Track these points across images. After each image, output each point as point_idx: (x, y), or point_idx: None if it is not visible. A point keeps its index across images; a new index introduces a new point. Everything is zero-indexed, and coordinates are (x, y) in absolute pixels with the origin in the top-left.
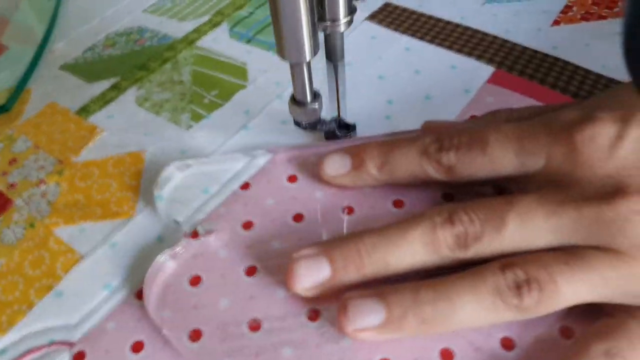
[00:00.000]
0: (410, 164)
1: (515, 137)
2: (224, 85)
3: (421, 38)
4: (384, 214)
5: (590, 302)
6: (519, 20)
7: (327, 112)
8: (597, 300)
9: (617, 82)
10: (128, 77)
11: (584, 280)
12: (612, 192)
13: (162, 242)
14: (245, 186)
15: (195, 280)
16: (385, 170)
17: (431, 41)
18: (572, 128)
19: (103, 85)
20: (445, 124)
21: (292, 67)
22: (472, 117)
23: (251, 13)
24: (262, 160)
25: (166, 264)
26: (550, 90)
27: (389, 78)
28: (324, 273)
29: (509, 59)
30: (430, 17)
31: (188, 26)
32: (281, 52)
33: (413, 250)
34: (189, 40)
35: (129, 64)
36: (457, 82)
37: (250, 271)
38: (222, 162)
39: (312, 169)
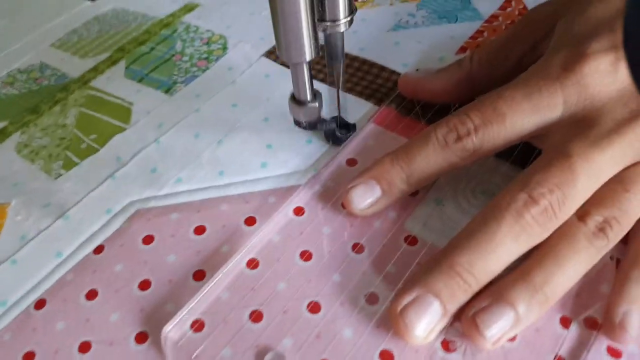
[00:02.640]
0: (435, 163)
1: (524, 97)
2: (104, 128)
3: (315, 75)
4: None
5: None
6: (422, 48)
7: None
8: None
9: None
10: (16, 120)
11: None
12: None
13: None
14: (99, 250)
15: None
16: (413, 181)
17: (324, 79)
18: (572, 68)
19: None
20: (424, 81)
21: (292, 67)
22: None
23: (152, 49)
24: (120, 218)
25: None
26: None
27: (274, 120)
28: (433, 312)
29: (399, 96)
30: None
31: (88, 64)
32: (281, 52)
33: (508, 249)
34: (85, 79)
35: (22, 105)
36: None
37: (84, 347)
38: (79, 221)
39: (170, 227)
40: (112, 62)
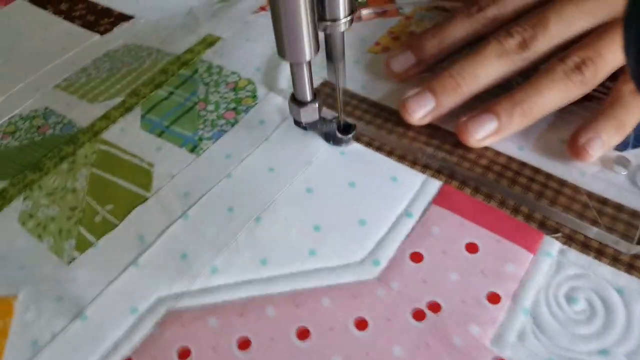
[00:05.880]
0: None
1: None
2: (122, 196)
3: (357, 139)
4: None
5: None
6: None
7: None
8: None
9: None
10: (18, 181)
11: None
12: None
13: None
14: None
15: None
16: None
17: (369, 144)
18: None
19: None
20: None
21: (292, 67)
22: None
23: (171, 93)
24: (148, 322)
25: None
26: (508, 216)
27: (319, 192)
28: (430, 104)
29: (460, 168)
30: (377, 104)
31: (97, 110)
32: (281, 52)
33: (492, 63)
34: (95, 130)
35: (23, 160)
36: (397, 201)
37: None
38: (99, 323)
39: (209, 337)
40: (125, 108)
